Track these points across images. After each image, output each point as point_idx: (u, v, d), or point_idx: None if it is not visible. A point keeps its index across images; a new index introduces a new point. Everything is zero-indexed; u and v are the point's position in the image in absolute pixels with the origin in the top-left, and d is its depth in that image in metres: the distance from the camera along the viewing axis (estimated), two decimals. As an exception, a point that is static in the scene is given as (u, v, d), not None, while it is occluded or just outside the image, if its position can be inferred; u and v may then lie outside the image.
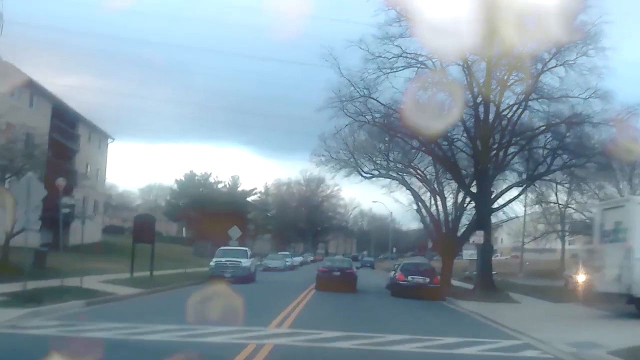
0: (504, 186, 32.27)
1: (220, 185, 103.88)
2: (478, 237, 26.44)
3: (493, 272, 56.75)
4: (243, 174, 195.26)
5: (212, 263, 32.89)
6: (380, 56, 27.82)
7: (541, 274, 54.74)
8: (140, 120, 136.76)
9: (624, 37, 50.53)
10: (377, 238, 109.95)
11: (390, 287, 29.95)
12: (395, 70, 27.60)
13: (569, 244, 67.42)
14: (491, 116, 27.95)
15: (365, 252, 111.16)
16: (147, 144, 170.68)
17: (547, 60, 27.58)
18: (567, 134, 29.57)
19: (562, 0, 23.01)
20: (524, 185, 31.95)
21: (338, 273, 29.92)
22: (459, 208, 35.95)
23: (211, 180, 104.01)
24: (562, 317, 19.68)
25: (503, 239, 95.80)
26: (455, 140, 29.50)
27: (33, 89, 41.54)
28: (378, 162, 36.26)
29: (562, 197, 49.22)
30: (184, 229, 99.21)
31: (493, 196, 30.09)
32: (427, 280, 27.15)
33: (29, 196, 17.22)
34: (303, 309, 18.87)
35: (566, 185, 35.12)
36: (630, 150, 25.92)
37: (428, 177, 36.29)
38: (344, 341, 12.00)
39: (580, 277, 43.75)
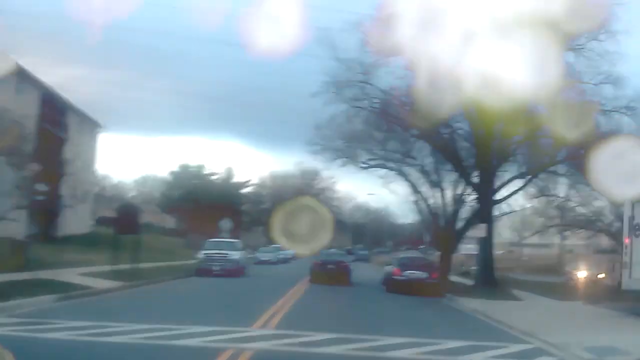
0: (506, 178, 30.78)
1: (214, 177, 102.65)
2: (480, 230, 25.00)
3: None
4: (238, 167, 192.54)
5: (200, 255, 31.46)
6: (378, 41, 26.35)
7: (539, 269, 53.63)
8: (135, 111, 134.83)
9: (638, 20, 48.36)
10: (372, 231, 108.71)
11: (386, 282, 28.58)
12: (393, 51, 26.03)
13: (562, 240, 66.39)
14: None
15: (360, 246, 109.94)
16: (141, 136, 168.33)
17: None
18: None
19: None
20: (529, 177, 30.43)
21: (333, 266, 30.28)
22: (458, 201, 34.62)
23: (205, 172, 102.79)
24: (572, 317, 18.42)
25: (500, 233, 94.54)
26: (457, 129, 28.05)
27: (20, 76, 40.01)
28: (375, 151, 34.78)
29: (562, 190, 47.86)
30: (174, 220, 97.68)
31: (495, 188, 28.61)
32: (425, 275, 25.78)
33: (-3, 182, 15.86)
34: (292, 306, 17.43)
35: (570, 177, 33.54)
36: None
37: (426, 168, 34.87)
38: (334, 345, 10.60)
39: (582, 273, 42.75)
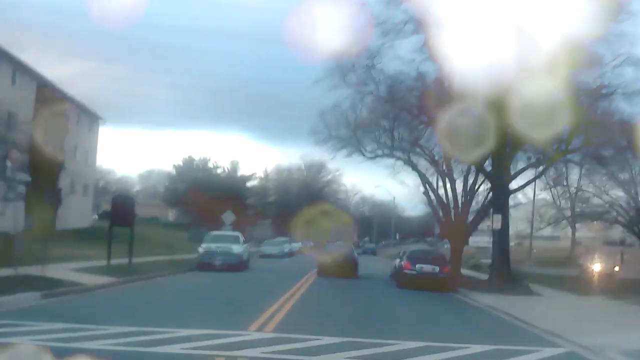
0: (520, 167, 29.29)
1: (219, 171, 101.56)
2: (495, 221, 23.51)
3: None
4: (244, 161, 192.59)
5: (200, 249, 30.09)
6: (386, 22, 24.95)
7: (551, 262, 52.08)
8: (140, 105, 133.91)
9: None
10: (379, 224, 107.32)
11: (396, 276, 27.18)
12: (401, 34, 24.60)
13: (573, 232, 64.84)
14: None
15: (366, 239, 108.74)
16: (146, 130, 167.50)
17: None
18: (591, 107, 26.66)
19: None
20: (545, 166, 28.91)
21: (340, 259, 29.80)
22: (470, 191, 33.17)
23: (210, 165, 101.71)
24: (597, 314, 17.06)
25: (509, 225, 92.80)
26: (469, 114, 26.43)
27: (16, 66, 38.80)
28: (382, 141, 33.28)
29: (573, 180, 46.37)
30: (176, 213, 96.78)
31: (511, 176, 27.09)
32: (437, 269, 24.36)
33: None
34: (295, 303, 16.00)
35: (586, 166, 32.04)
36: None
37: (436, 157, 33.36)
38: (340, 352, 9.18)
39: (596, 266, 41.35)
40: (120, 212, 24.75)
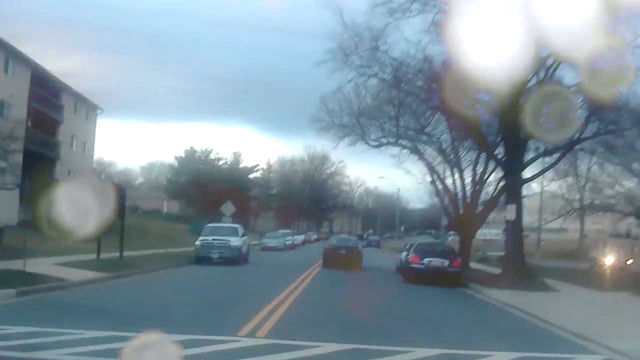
0: (532, 155, 27.74)
1: (221, 162, 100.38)
2: (509, 212, 22.02)
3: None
4: (247, 153, 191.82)
5: (197, 242, 28.74)
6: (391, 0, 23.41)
7: (559, 255, 50.78)
8: (143, 98, 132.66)
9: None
10: (383, 216, 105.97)
11: (402, 271, 25.77)
12: (407, 14, 23.04)
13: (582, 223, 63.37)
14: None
15: (370, 231, 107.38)
16: (149, 123, 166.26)
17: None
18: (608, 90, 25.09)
19: None
20: (560, 152, 27.32)
21: (344, 251, 30.24)
22: (479, 181, 31.75)
23: (212, 156, 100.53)
24: (627, 312, 15.67)
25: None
26: (480, 98, 24.91)
27: (9, 54, 37.47)
28: (386, 128, 31.83)
29: (583, 170, 44.81)
30: (179, 205, 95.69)
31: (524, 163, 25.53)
32: (446, 263, 22.91)
33: None
34: (294, 301, 14.52)
35: (601, 155, 30.43)
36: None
37: (443, 146, 31.94)
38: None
39: (608, 259, 39.93)
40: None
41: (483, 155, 31.09)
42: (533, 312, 14.75)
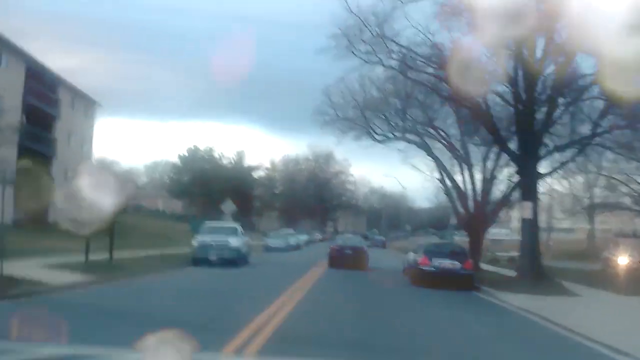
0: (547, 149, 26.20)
1: (225, 161, 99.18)
2: (525, 210, 20.49)
3: (514, 253, 51.52)
4: (251, 152, 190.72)
5: (194, 242, 27.32)
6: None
7: (568, 255, 49.11)
8: (146, 96, 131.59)
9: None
10: (388, 216, 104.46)
11: (410, 273, 24.28)
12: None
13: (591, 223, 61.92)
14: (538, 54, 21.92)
15: (375, 231, 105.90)
16: (153, 121, 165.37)
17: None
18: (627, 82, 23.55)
19: None
20: (579, 147, 25.81)
21: (350, 251, 30.29)
22: (490, 178, 30.27)
23: (215, 155, 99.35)
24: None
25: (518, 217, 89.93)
26: (493, 89, 23.39)
27: (3, 46, 36.22)
28: (393, 122, 30.37)
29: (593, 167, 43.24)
30: (182, 205, 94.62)
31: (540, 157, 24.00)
32: (458, 265, 21.39)
33: None
34: (294, 309, 12.99)
35: (618, 151, 28.84)
36: None
37: (452, 140, 30.44)
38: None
39: (622, 260, 38.41)
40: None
41: (493, 151, 29.69)
42: (558, 320, 13.25)
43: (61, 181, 44.71)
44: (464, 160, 30.40)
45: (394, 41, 22.91)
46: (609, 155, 31.86)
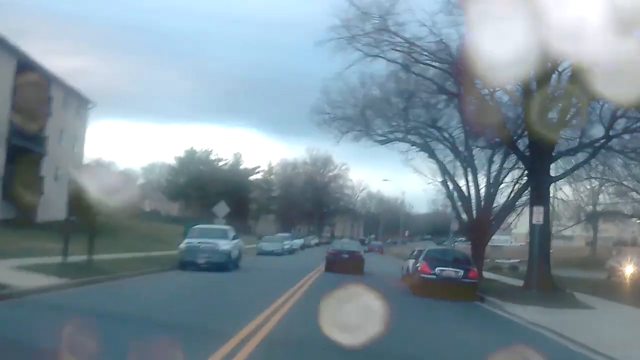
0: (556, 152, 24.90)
1: (221, 163, 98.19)
2: (536, 214, 19.12)
3: (515, 260, 50.26)
4: (249, 155, 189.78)
5: (182, 245, 25.91)
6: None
7: (571, 263, 47.96)
8: (146, 98, 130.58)
9: None
10: (386, 221, 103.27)
11: (410, 281, 22.87)
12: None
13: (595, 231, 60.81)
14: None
15: (372, 236, 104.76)
16: (151, 124, 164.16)
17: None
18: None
19: None
20: (592, 150, 24.52)
21: (346, 256, 30.61)
22: (494, 182, 28.99)
23: (212, 157, 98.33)
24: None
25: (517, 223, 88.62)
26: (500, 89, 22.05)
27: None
28: (394, 122, 29.07)
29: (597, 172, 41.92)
30: (179, 207, 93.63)
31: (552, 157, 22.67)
32: (461, 273, 19.99)
33: None
34: (281, 322, 11.54)
35: (630, 155, 27.56)
36: None
37: (455, 142, 29.17)
38: None
39: (629, 269, 37.26)
40: (80, 201, 20.63)
41: (499, 154, 28.46)
42: (575, 337, 11.85)
43: (51, 180, 43.50)
44: (468, 163, 29.13)
45: (397, 34, 21.59)
46: (619, 160, 30.61)
